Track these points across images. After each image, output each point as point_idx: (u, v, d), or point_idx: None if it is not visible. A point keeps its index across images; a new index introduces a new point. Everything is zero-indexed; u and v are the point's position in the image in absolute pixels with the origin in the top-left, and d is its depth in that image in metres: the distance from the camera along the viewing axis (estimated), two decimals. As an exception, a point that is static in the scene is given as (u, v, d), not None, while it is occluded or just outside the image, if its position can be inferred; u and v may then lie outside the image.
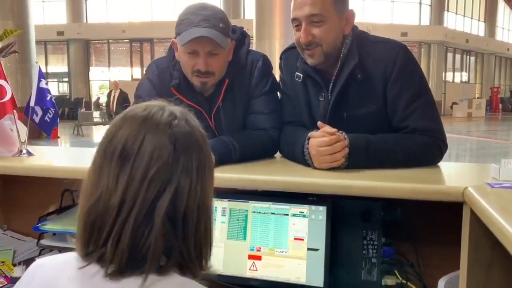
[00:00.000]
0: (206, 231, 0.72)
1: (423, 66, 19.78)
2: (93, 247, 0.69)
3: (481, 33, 27.11)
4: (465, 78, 27.35)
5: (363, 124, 1.40)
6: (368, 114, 1.41)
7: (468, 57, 27.16)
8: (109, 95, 12.56)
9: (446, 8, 23.36)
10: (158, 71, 1.56)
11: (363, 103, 1.41)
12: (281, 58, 1.60)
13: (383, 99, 1.40)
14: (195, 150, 0.71)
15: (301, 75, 1.48)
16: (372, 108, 1.41)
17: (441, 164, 1.36)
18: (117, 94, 12.09)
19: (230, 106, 1.53)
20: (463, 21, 25.55)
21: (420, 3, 22.67)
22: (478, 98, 25.45)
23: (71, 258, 0.73)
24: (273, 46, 5.50)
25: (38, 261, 0.78)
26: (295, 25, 1.40)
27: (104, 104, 13.12)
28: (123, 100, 11.54)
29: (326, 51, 1.39)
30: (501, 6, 28.84)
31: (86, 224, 0.70)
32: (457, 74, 26.71)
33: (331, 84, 1.43)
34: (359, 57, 1.38)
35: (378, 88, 1.39)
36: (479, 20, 27.01)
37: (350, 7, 1.43)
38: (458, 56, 26.16)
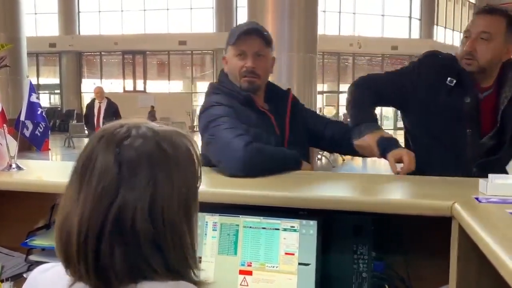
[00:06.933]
0: (174, 246, 0.71)
1: (413, 79, 19.93)
2: (71, 264, 0.70)
3: (470, 46, 27.51)
4: (455, 91, 27.66)
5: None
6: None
7: (457, 70, 27.52)
8: (91, 106, 9.22)
9: (435, 22, 23.72)
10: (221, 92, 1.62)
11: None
12: (419, 60, 1.73)
13: None
14: (148, 168, 0.70)
15: (454, 80, 1.62)
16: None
17: (430, 178, 1.37)
18: (103, 105, 9.00)
19: (295, 117, 1.66)
20: (452, 35, 25.92)
21: (410, 17, 23.00)
22: (468, 110, 25.70)
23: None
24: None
25: (41, 267, 0.80)
26: (465, 36, 1.61)
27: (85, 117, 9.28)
28: (113, 114, 8.72)
29: (481, 65, 1.57)
30: (489, 20, 29.35)
31: (59, 241, 0.71)
32: (447, 87, 27.00)
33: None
34: None
35: None
36: (468, 34, 27.45)
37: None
38: (447, 69, 26.50)
